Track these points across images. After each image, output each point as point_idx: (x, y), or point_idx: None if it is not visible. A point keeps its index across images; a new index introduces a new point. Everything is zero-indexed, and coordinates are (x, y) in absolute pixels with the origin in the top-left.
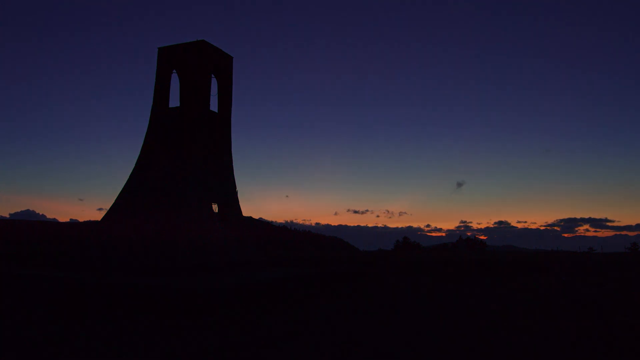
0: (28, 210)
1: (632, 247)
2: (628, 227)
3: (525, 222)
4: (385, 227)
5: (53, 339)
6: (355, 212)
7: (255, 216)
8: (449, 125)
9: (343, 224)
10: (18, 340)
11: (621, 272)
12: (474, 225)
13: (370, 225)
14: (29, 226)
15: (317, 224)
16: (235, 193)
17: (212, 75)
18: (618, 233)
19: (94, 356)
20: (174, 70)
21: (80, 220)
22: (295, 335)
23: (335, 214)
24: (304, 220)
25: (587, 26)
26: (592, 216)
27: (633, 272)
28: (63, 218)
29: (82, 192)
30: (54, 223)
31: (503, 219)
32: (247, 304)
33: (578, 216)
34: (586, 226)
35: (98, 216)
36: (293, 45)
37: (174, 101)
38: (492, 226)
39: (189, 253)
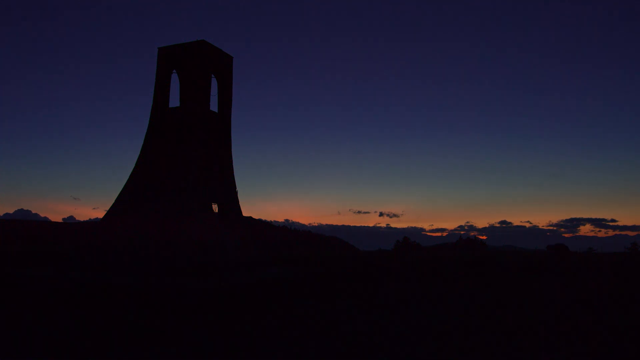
0: (21, 209)
1: (632, 247)
2: (632, 227)
3: (528, 222)
4: (387, 227)
5: (52, 339)
6: (358, 212)
7: (255, 216)
8: (451, 125)
9: (345, 224)
10: (17, 340)
11: (621, 272)
12: (478, 225)
13: (371, 225)
14: (25, 226)
15: (318, 224)
16: (235, 193)
17: (212, 75)
18: (619, 233)
19: (94, 356)
20: (174, 70)
21: (77, 219)
22: (295, 335)
23: (339, 213)
24: (304, 220)
25: (588, 24)
26: (597, 216)
27: (633, 272)
28: (56, 217)
29: (77, 191)
30: (53, 223)
31: (506, 219)
32: (247, 303)
33: (584, 216)
34: (590, 226)
35: (94, 215)
36: (293, 45)
37: (174, 101)
38: (496, 225)
39: (189, 253)
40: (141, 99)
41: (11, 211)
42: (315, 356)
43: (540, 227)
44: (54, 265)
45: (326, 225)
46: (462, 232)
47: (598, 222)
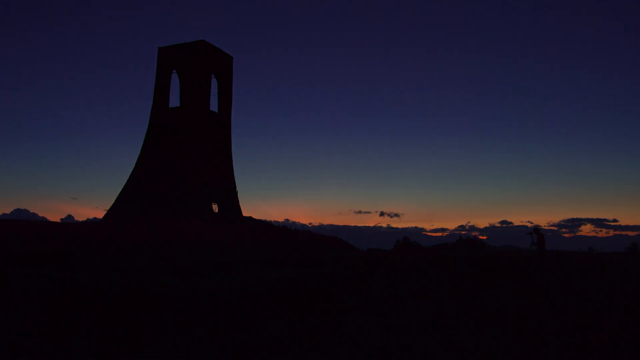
0: (18, 209)
1: (631, 247)
2: (632, 227)
3: (529, 222)
4: (388, 227)
5: (51, 339)
6: (359, 212)
7: (255, 216)
8: (451, 125)
9: (345, 224)
10: (17, 340)
11: (620, 272)
12: (479, 225)
13: (372, 225)
14: (24, 225)
15: (319, 224)
16: (235, 193)
17: (212, 75)
18: (618, 233)
19: (92, 356)
20: (174, 70)
21: (76, 219)
22: (295, 335)
23: (339, 213)
24: (304, 220)
25: (587, 25)
26: (597, 216)
27: (632, 272)
28: (54, 217)
29: (76, 191)
30: (52, 223)
31: (506, 219)
32: (247, 304)
33: (584, 216)
34: (591, 226)
35: (92, 215)
36: (294, 45)
37: (174, 101)
38: (496, 225)
39: (189, 253)
40: (141, 99)
41: (8, 211)
42: (316, 357)
43: (540, 227)
44: (51, 265)
45: (326, 225)
46: (462, 232)
47: (599, 222)
